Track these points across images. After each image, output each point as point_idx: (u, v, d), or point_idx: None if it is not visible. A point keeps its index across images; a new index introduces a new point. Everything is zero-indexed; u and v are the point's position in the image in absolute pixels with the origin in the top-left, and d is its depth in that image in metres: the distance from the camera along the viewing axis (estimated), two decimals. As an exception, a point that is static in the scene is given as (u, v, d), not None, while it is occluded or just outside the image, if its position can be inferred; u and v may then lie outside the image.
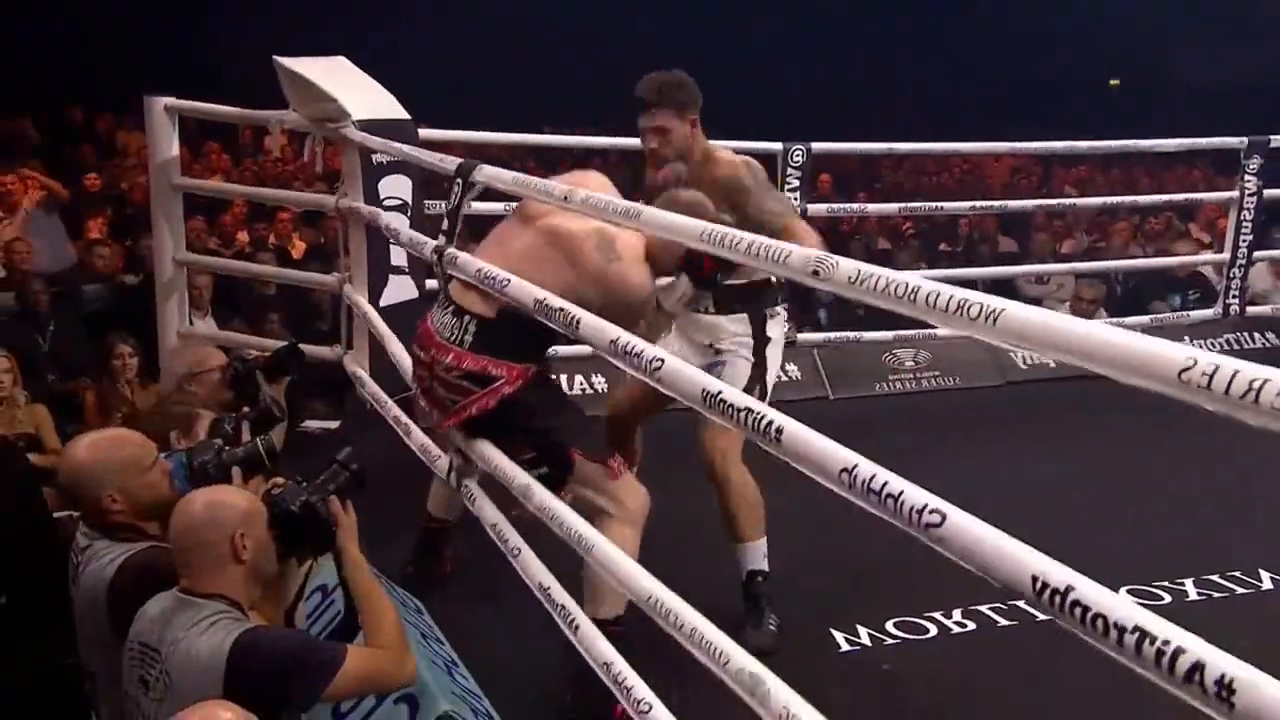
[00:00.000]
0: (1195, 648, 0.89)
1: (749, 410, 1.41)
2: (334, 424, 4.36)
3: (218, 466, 2.29)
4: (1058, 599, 1.00)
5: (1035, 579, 1.03)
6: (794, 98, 13.13)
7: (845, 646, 2.83)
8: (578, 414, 2.70)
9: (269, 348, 3.60)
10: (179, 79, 4.82)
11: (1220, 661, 0.88)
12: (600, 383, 4.62)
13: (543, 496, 2.23)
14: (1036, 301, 6.85)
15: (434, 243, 2.88)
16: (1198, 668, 0.88)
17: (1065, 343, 0.99)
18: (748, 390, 2.74)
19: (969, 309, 1.06)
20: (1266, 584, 3.16)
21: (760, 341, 2.92)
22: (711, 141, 2.96)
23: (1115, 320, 5.59)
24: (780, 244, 1.38)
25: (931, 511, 1.13)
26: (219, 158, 8.99)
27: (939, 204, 5.98)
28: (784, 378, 3.16)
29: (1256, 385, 0.86)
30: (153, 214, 4.66)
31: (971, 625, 2.91)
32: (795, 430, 1.34)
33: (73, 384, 5.06)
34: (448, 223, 2.86)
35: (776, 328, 2.95)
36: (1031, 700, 2.61)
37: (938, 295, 1.10)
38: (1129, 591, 3.06)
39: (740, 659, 1.54)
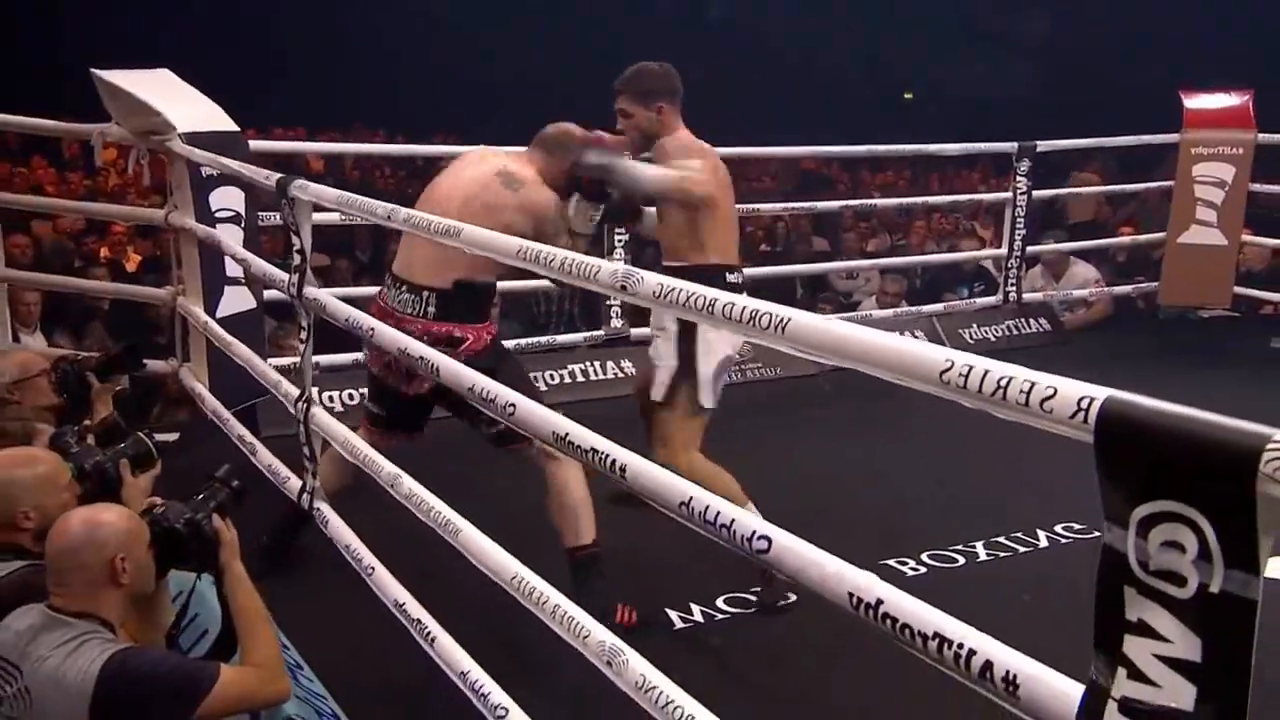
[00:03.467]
0: (986, 647, 0.97)
1: (594, 450, 1.46)
2: (172, 436, 4.14)
3: (114, 464, 2.19)
4: (871, 611, 1.08)
5: (851, 595, 1.10)
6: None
7: (679, 624, 2.87)
8: (518, 366, 2.85)
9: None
10: (15, 94, 4.46)
11: (1007, 658, 0.95)
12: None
13: (410, 485, 2.24)
14: (848, 295, 7.15)
15: (289, 279, 2.80)
16: (988, 666, 0.96)
17: (845, 348, 1.04)
18: (671, 389, 2.84)
19: (760, 319, 1.10)
20: (1043, 542, 3.40)
21: (687, 338, 2.83)
22: (691, 136, 2.98)
23: (915, 309, 5.92)
24: (590, 260, 1.42)
25: (760, 537, 1.19)
26: (45, 171, 8.37)
27: (757, 205, 6.14)
28: (738, 357, 3.18)
29: (1003, 383, 0.93)
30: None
31: (792, 597, 3.01)
32: (638, 465, 1.40)
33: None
34: (297, 257, 2.74)
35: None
36: (858, 667, 2.71)
37: (732, 306, 1.14)
38: (930, 556, 3.25)
39: (599, 634, 1.57)
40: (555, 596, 1.69)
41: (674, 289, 1.22)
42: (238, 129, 3.99)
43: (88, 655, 1.72)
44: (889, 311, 5.89)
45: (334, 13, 13.24)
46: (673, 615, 2.91)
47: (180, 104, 3.87)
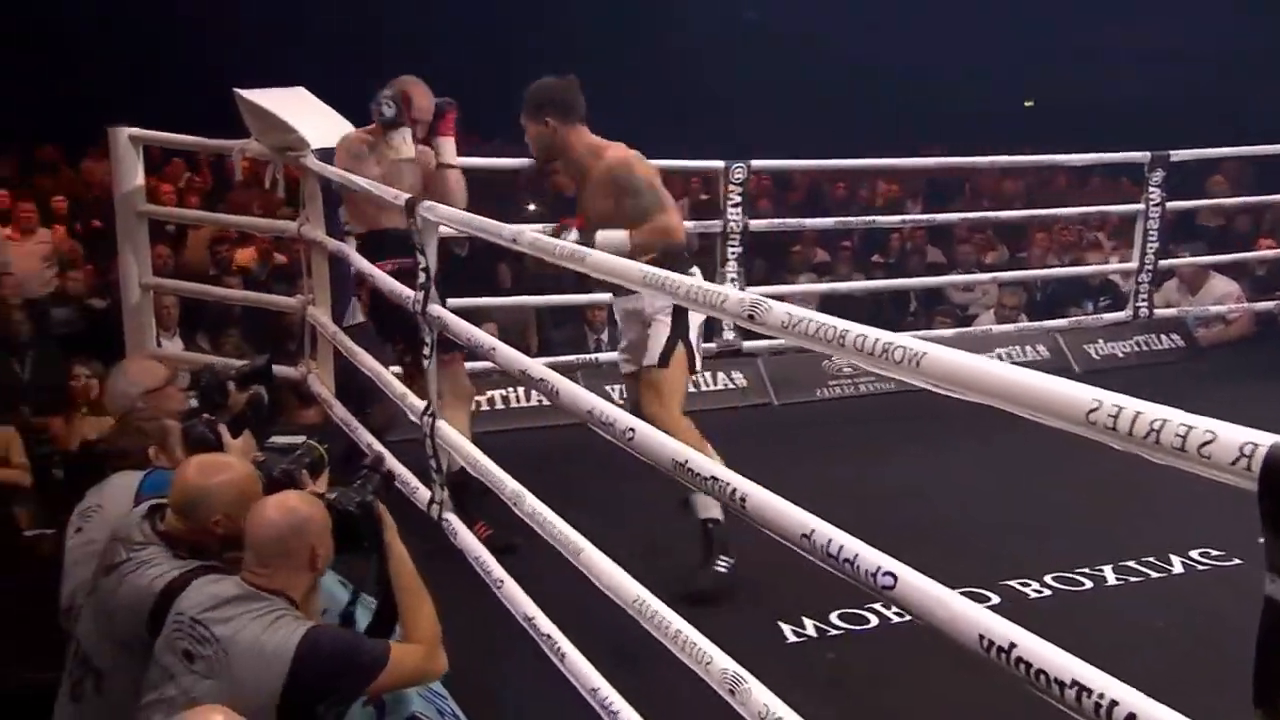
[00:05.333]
0: (1129, 698, 0.92)
1: (714, 478, 1.45)
2: (299, 439, 4.31)
3: (297, 471, 2.31)
4: (1003, 655, 1.04)
5: (982, 637, 1.07)
6: (737, 111, 13.18)
7: (792, 638, 2.82)
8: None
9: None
10: (145, 112, 4.71)
11: (1154, 713, 0.90)
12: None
13: (533, 504, 2.30)
14: (964, 308, 6.95)
15: (415, 295, 2.90)
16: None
17: (983, 385, 1.00)
18: (668, 348, 3.03)
19: (893, 353, 1.07)
20: (1178, 568, 3.22)
21: (679, 306, 3.06)
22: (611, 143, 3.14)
23: (1037, 323, 5.70)
24: (718, 289, 1.40)
25: (884, 574, 1.16)
26: (190, 179, 8.76)
27: (873, 218, 6.03)
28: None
29: (1157, 426, 0.88)
30: (119, 241, 4.56)
31: (908, 616, 2.92)
32: (759, 496, 1.39)
33: (41, 421, 4.95)
34: (423, 275, 2.83)
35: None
36: (969, 690, 2.62)
37: (864, 339, 1.11)
38: (1054, 579, 3.11)
39: (721, 660, 1.56)
40: (677, 622, 1.68)
41: (802, 319, 1.19)
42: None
43: (287, 628, 1.86)
44: (1009, 326, 5.69)
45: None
46: (785, 629, 2.85)
47: (314, 121, 4.01)
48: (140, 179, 4.48)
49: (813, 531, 1.29)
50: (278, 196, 4.67)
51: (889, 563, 1.21)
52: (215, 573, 2.03)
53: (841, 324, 1.15)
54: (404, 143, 3.38)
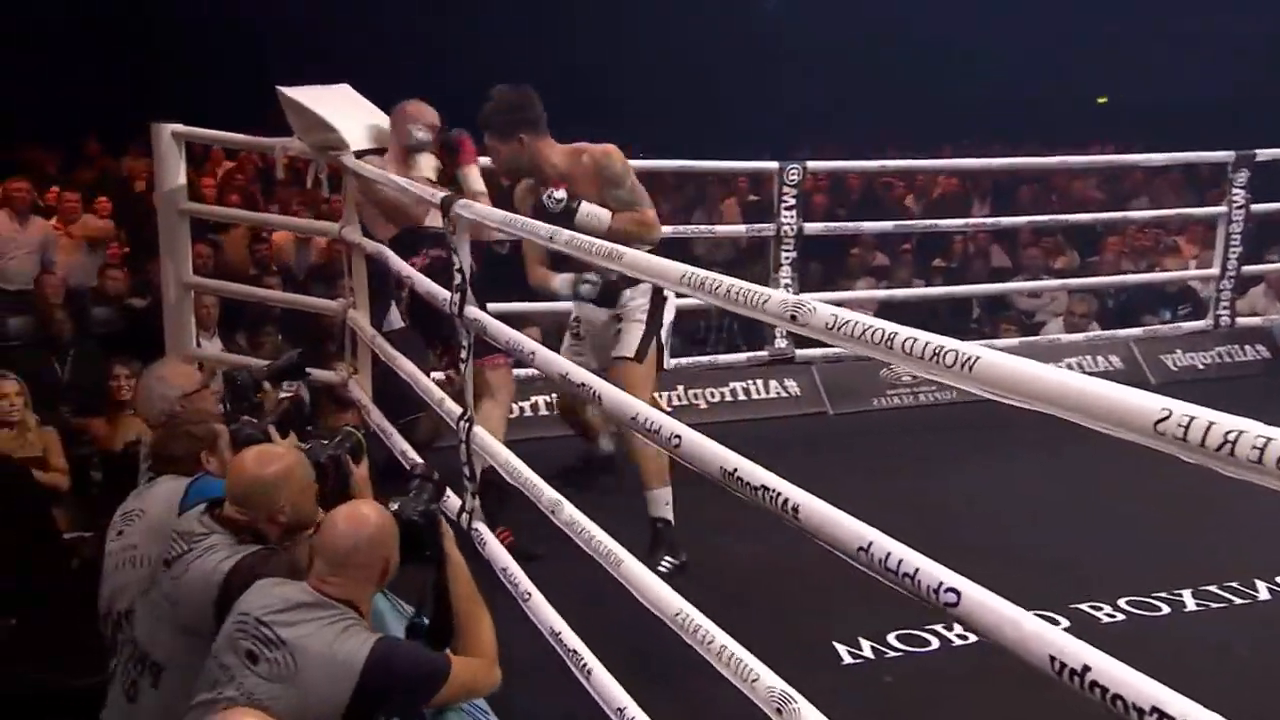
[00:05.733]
0: None
1: (764, 488, 1.44)
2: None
3: (343, 456, 2.44)
4: (1077, 679, 1.02)
5: (1054, 659, 1.04)
6: (789, 113, 13.10)
7: (848, 659, 2.79)
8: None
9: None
10: (186, 109, 4.82)
11: None
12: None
13: (571, 512, 2.31)
14: (1030, 315, 6.84)
15: (451, 297, 2.93)
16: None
17: (1040, 391, 0.98)
18: (642, 345, 3.23)
19: (944, 357, 1.05)
20: (1264, 595, 3.13)
21: (656, 305, 3.28)
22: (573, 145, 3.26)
23: (1109, 332, 5.59)
24: (758, 289, 1.39)
25: (947, 590, 1.14)
26: (231, 174, 8.92)
27: (934, 221, 5.96)
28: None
29: (1231, 438, 0.85)
30: (160, 239, 4.65)
31: (973, 638, 2.87)
32: (812, 505, 1.37)
33: (81, 421, 5.07)
34: (458, 276, 2.85)
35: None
36: (1032, 716, 2.57)
37: (914, 341, 1.09)
38: (1128, 603, 3.04)
39: (769, 679, 1.55)
40: (721, 637, 1.66)
41: (848, 322, 1.18)
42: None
43: (357, 638, 1.91)
44: (1079, 335, 5.58)
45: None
46: (840, 649, 2.82)
47: (356, 120, 4.06)
48: (183, 177, 4.57)
49: (870, 544, 1.26)
50: (321, 194, 4.74)
51: (952, 578, 1.18)
52: (277, 556, 2.12)
53: (889, 326, 1.13)
54: (427, 165, 3.64)
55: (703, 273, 1.50)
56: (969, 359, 1.03)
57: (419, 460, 3.21)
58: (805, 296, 1.31)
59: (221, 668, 1.92)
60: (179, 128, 4.50)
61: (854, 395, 4.99)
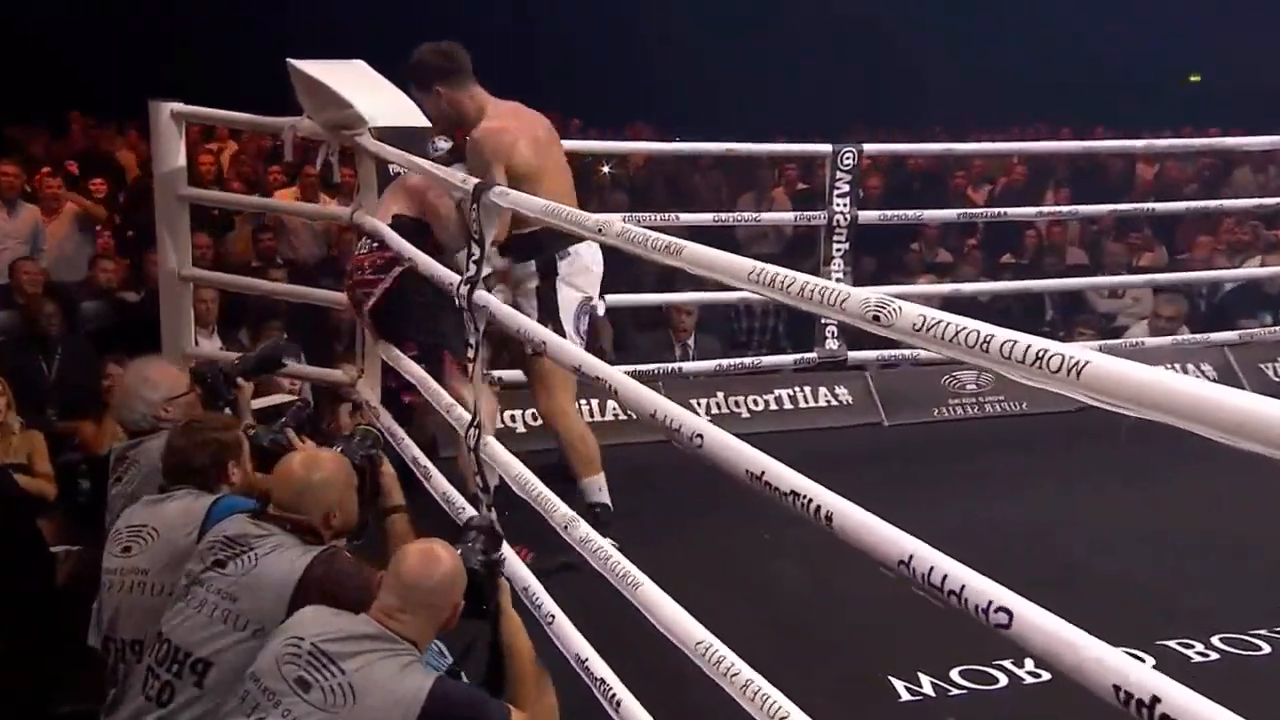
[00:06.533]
0: None
1: (794, 493, 1.44)
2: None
3: (371, 454, 2.63)
4: (1145, 711, 1.00)
5: (1118, 688, 1.02)
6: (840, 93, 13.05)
7: (906, 696, 2.76)
8: (458, 316, 3.10)
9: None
10: (189, 89, 4.84)
11: None
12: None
13: (586, 530, 2.36)
14: (1110, 317, 6.75)
15: (458, 279, 2.96)
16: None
17: (1164, 401, 0.94)
18: (544, 310, 3.35)
19: (1049, 361, 1.02)
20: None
21: (548, 282, 3.40)
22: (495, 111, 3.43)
23: (1200, 336, 5.49)
24: (839, 288, 1.37)
25: (998, 609, 1.12)
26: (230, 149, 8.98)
27: (1003, 210, 5.90)
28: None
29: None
30: (157, 227, 4.66)
31: (1046, 675, 2.83)
32: (847, 512, 1.37)
33: (68, 425, 5.11)
34: (473, 267, 2.88)
35: (569, 266, 3.44)
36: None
37: (1013, 345, 1.06)
38: (1224, 640, 2.97)
39: (797, 716, 1.53)
40: (746, 671, 1.66)
41: (939, 322, 1.15)
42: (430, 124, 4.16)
43: (419, 675, 2.01)
44: (1166, 340, 5.49)
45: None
46: (898, 685, 2.79)
47: (375, 97, 4.05)
48: (182, 159, 4.57)
49: (911, 557, 1.26)
50: (333, 181, 4.75)
51: (1003, 595, 1.17)
52: (341, 555, 2.29)
53: (985, 328, 1.10)
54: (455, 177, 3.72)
55: (772, 269, 1.49)
56: (1076, 363, 1.00)
57: (431, 472, 3.22)
58: (880, 291, 1.28)
59: (265, 692, 1.99)
60: (179, 106, 4.50)
61: (912, 404, 4.94)
